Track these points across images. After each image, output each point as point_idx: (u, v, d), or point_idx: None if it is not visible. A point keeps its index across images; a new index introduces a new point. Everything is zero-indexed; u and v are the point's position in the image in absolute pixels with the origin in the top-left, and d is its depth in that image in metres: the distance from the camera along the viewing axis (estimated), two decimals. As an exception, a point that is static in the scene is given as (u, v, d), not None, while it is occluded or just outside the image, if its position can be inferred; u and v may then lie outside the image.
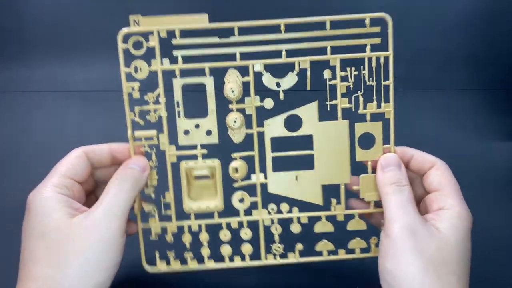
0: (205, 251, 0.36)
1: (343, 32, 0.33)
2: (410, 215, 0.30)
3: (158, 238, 0.35)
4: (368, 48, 0.33)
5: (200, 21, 0.33)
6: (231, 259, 0.36)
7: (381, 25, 0.33)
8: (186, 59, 0.33)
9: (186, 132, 0.34)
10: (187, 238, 0.35)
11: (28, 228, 0.29)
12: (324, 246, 0.36)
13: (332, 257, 0.36)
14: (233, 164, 0.35)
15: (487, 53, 0.57)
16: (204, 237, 0.35)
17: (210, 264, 0.36)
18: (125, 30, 0.32)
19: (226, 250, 0.36)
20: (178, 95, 0.34)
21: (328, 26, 0.33)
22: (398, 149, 0.35)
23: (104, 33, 0.51)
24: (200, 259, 0.36)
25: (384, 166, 0.33)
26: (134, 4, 0.54)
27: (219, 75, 0.34)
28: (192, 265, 0.36)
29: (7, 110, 0.52)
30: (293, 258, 0.36)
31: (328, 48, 0.33)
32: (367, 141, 0.35)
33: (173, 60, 0.33)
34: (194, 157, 0.35)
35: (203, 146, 0.34)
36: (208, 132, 0.34)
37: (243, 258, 0.36)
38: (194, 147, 0.34)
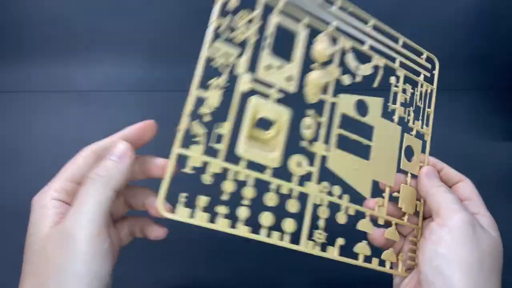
0: (244, 213, 0.27)
1: (408, 54, 0.37)
2: (467, 211, 0.31)
3: (192, 174, 0.26)
4: (421, 76, 0.38)
5: None
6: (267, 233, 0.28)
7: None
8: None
9: (268, 67, 0.30)
10: (228, 187, 0.27)
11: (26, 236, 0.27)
12: (363, 249, 0.32)
13: (365, 265, 0.31)
14: (307, 121, 0.31)
15: (487, 53, 0.59)
16: (248, 192, 0.28)
17: (242, 231, 0.27)
18: None
19: (267, 219, 0.28)
20: (270, 31, 0.30)
21: (400, 43, 0.37)
22: (431, 159, 0.36)
23: (104, 33, 0.50)
24: (233, 221, 0.27)
25: (429, 176, 0.34)
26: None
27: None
28: (221, 226, 0.26)
29: (7, 110, 0.50)
30: (331, 254, 0.30)
31: (397, 62, 0.37)
32: (407, 153, 0.36)
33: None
34: (266, 97, 0.29)
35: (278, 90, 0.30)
36: (289, 78, 0.30)
37: (281, 236, 0.28)
38: (270, 86, 0.30)
